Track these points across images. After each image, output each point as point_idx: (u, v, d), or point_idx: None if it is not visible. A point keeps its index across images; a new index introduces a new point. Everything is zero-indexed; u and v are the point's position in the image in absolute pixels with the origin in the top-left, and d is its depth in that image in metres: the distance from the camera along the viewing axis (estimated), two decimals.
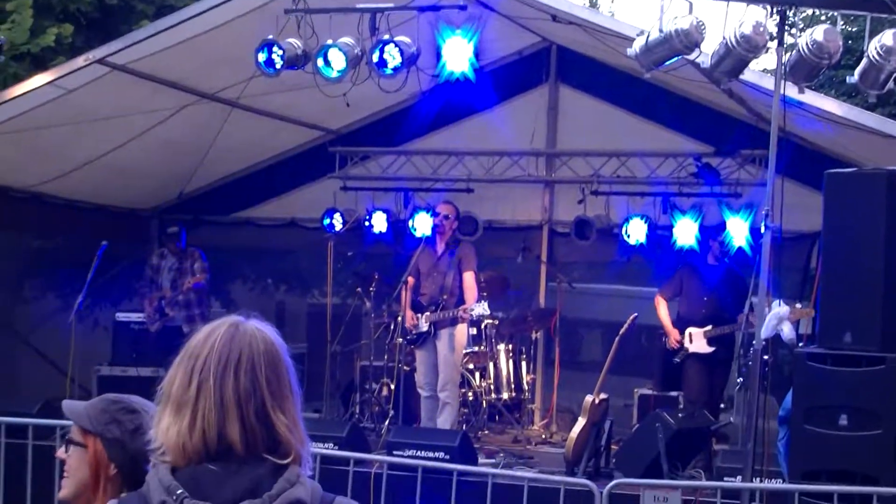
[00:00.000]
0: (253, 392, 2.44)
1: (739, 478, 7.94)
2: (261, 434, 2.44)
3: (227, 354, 2.46)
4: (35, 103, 10.74)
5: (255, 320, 2.56)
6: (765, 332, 7.49)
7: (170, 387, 2.48)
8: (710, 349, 11.18)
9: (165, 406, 2.48)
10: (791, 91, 7.98)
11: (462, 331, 11.22)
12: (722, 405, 11.59)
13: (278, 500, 2.37)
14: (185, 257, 12.98)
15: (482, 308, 10.73)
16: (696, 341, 11.21)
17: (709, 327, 11.20)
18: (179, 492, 2.34)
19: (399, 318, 11.68)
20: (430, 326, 11.06)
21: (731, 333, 11.24)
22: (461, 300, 11.07)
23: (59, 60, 13.67)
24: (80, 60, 10.51)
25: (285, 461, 2.45)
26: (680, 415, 9.76)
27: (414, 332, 11.16)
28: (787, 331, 7.73)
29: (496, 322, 12.35)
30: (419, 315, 11.13)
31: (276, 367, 2.50)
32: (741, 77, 8.76)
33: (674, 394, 11.61)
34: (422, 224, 12.40)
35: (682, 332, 11.38)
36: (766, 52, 7.98)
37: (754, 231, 11.19)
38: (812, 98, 8.97)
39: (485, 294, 11.43)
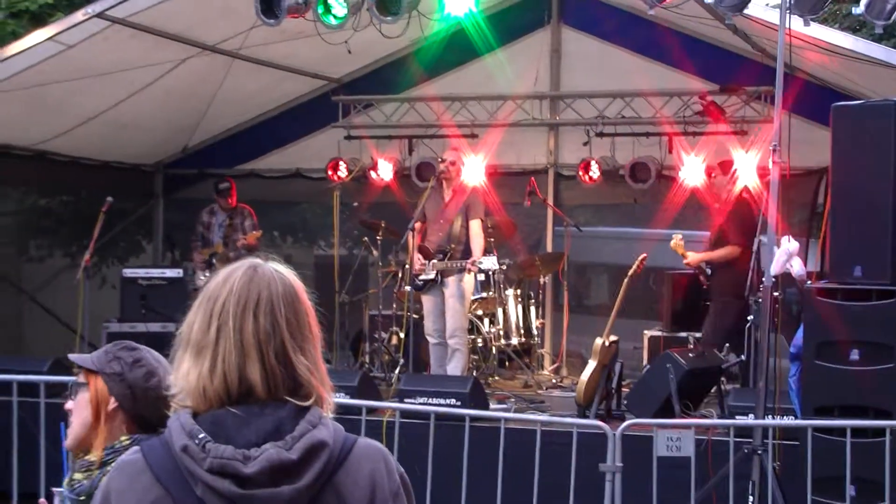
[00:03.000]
0: (273, 334, 2.42)
1: (752, 415, 7.94)
2: (282, 376, 2.41)
3: (245, 296, 2.43)
4: (35, 60, 10.67)
5: (273, 262, 2.54)
6: (774, 268, 7.46)
7: (189, 331, 2.46)
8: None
9: (185, 350, 2.45)
10: (796, 24, 7.92)
11: (469, 278, 11.19)
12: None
13: (301, 441, 2.34)
14: (235, 213, 13.13)
15: (491, 262, 10.71)
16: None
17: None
18: (202, 436, 2.32)
19: (406, 266, 11.66)
20: (436, 275, 11.03)
21: (725, 270, 11.07)
22: (468, 248, 11.02)
23: (57, 16, 13.60)
24: (79, 15, 10.43)
25: (307, 403, 2.43)
26: (691, 355, 9.74)
27: (420, 277, 11.12)
28: (796, 267, 7.70)
29: (504, 268, 12.32)
30: (426, 261, 11.09)
31: (295, 309, 2.47)
32: (745, 11, 8.70)
33: (683, 334, 11.62)
34: (427, 171, 12.34)
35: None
36: None
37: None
38: (818, 31, 8.90)
39: (492, 240, 11.39)
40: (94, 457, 3.35)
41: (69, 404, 3.45)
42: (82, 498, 3.29)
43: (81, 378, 3.43)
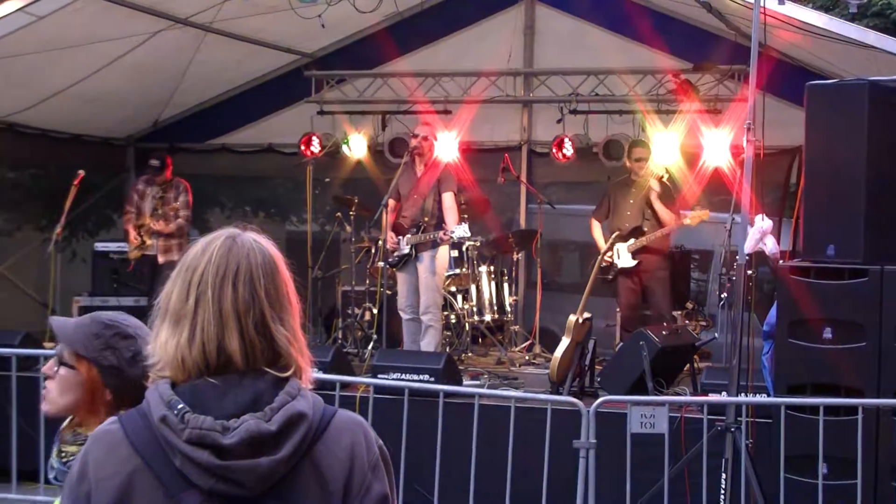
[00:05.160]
0: (252, 304, 2.40)
1: (725, 393, 7.97)
2: (260, 346, 2.40)
3: (224, 266, 2.41)
4: (5, 31, 10.54)
5: (251, 232, 2.52)
6: (748, 246, 7.47)
7: (167, 301, 2.44)
8: (634, 262, 11.30)
9: (163, 320, 2.43)
10: (771, 3, 7.92)
11: (444, 254, 11.17)
12: (679, 312, 11.62)
13: (279, 412, 2.33)
14: (169, 187, 12.58)
15: (463, 230, 10.66)
16: (623, 256, 11.33)
17: (631, 241, 11.27)
18: (181, 406, 2.30)
19: (380, 242, 11.63)
20: (411, 249, 11.01)
21: (660, 242, 11.32)
22: (441, 222, 11.01)
23: None
24: None
25: (286, 374, 2.42)
26: (664, 332, 9.75)
27: (395, 254, 11.10)
28: (770, 245, 7.72)
29: (478, 244, 12.30)
30: (400, 237, 11.07)
31: (274, 279, 2.45)
32: None
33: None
34: (400, 146, 12.27)
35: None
36: None
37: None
38: (792, 10, 8.90)
39: (465, 216, 11.38)
40: (90, 432, 3.27)
41: (48, 369, 3.30)
42: None
43: (69, 358, 3.26)
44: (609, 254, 11.31)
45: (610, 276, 11.46)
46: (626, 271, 11.40)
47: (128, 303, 12.24)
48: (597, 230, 11.78)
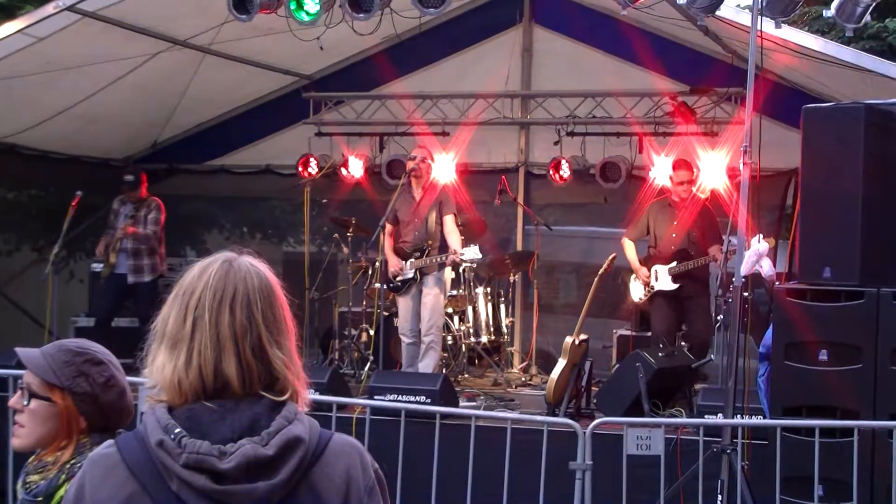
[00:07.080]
0: (249, 328, 2.42)
1: (721, 415, 7.97)
2: (258, 370, 2.42)
3: (221, 290, 2.43)
4: (5, 52, 10.60)
5: (247, 256, 2.54)
6: (744, 268, 7.49)
7: (164, 325, 2.45)
8: (674, 286, 11.19)
9: (160, 344, 2.45)
10: (767, 27, 7.95)
11: (447, 276, 11.19)
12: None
13: (276, 437, 2.35)
14: (142, 205, 12.42)
15: (473, 252, 10.66)
16: (661, 278, 11.22)
17: (673, 264, 11.19)
18: (177, 430, 2.31)
19: (377, 264, 11.63)
20: (415, 273, 11.01)
21: (703, 269, 11.24)
22: (444, 244, 11.02)
23: (27, 9, 13.52)
24: (49, 7, 10.35)
25: (282, 398, 2.44)
26: (660, 354, 9.76)
27: (398, 278, 11.09)
28: (766, 267, 7.74)
29: (475, 265, 12.31)
30: (403, 262, 11.05)
31: (271, 303, 2.47)
32: (717, 13, 8.74)
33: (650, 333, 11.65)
34: (398, 168, 12.30)
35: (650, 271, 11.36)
36: None
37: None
38: (788, 33, 8.94)
39: (463, 238, 11.39)
40: (50, 458, 3.24)
41: (16, 402, 3.26)
42: (39, 499, 3.20)
43: (40, 389, 3.22)
44: (647, 274, 11.26)
45: (642, 298, 11.38)
46: (663, 294, 11.27)
47: (124, 323, 12.25)
48: (630, 250, 11.49)
